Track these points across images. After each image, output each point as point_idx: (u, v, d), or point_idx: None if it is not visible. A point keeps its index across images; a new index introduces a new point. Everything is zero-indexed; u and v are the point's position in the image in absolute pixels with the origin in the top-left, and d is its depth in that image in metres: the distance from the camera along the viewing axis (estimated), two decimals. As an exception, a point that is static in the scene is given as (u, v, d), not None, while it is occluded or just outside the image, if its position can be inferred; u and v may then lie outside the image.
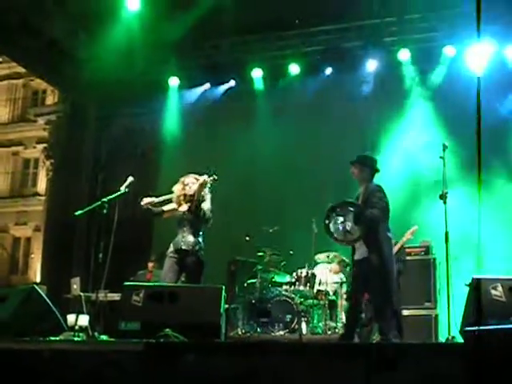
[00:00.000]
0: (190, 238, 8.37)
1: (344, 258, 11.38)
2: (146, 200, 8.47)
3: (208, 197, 8.61)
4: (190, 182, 8.60)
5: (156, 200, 8.54)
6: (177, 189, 8.68)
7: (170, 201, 8.70)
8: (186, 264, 8.34)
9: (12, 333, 6.57)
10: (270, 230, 11.54)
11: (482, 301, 6.85)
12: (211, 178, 8.42)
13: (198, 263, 8.36)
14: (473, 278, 7.24)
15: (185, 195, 8.57)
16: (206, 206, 8.48)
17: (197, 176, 8.61)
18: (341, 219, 7.72)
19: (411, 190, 12.27)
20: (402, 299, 9.53)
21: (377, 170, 8.06)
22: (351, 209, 7.71)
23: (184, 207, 8.55)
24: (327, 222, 7.79)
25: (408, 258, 10.03)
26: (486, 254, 10.97)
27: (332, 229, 7.78)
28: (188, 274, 8.40)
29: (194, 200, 8.44)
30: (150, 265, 12.14)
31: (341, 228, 7.73)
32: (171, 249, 8.44)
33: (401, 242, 9.47)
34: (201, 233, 8.46)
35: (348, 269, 11.20)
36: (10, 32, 12.88)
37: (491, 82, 11.54)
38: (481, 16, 5.52)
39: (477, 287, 7.02)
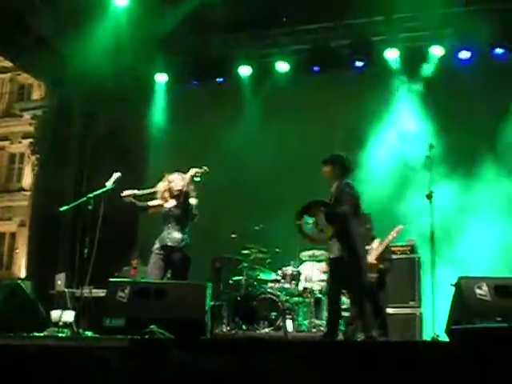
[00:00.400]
0: (176, 235, 8.37)
1: (326, 255, 11.43)
2: (126, 192, 8.45)
3: (194, 194, 8.62)
4: (176, 179, 8.61)
5: (138, 192, 8.53)
6: (162, 185, 8.68)
7: (153, 196, 8.69)
8: (172, 260, 8.34)
9: (-4, 328, 6.55)
10: (256, 228, 11.53)
11: (468, 300, 6.89)
12: (202, 170, 8.44)
13: (184, 259, 8.36)
14: (458, 278, 7.28)
15: (170, 191, 8.57)
16: (194, 202, 8.49)
17: (182, 174, 8.62)
18: (312, 219, 7.73)
19: (398, 188, 12.27)
20: (388, 298, 9.55)
21: (348, 169, 8.12)
22: (322, 208, 7.72)
23: (171, 203, 8.55)
24: (298, 222, 7.80)
25: (393, 256, 10.04)
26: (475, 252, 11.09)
27: (304, 229, 7.79)
28: (174, 270, 8.40)
29: (182, 194, 8.43)
30: (134, 261, 12.08)
31: (313, 228, 7.73)
32: (157, 245, 8.44)
33: (386, 240, 9.48)
34: (186, 229, 8.46)
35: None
36: (-2, 28, 12.83)
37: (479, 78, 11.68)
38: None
39: (462, 287, 7.06)
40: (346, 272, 7.70)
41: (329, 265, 8.30)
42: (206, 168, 8.50)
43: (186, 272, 8.34)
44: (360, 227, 7.89)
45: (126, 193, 8.44)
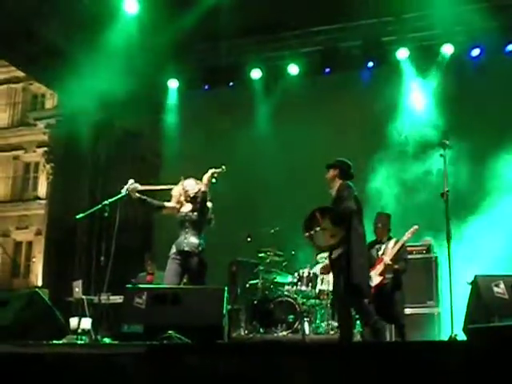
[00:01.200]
0: (193, 240, 8.38)
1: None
2: (142, 187, 8.50)
3: (209, 197, 8.65)
4: (191, 184, 8.65)
5: (150, 188, 8.58)
6: (177, 190, 8.71)
7: (166, 194, 8.74)
8: (189, 266, 8.34)
9: (14, 337, 6.58)
10: (272, 231, 11.54)
11: (485, 298, 6.86)
12: (219, 170, 8.47)
13: (201, 264, 8.37)
14: (475, 276, 7.25)
15: (186, 194, 8.60)
16: (209, 205, 8.53)
17: (197, 180, 8.66)
18: (319, 227, 7.71)
19: (412, 189, 12.24)
20: (405, 298, 9.53)
21: (350, 174, 8.20)
22: (327, 212, 7.72)
23: (187, 207, 8.58)
24: (308, 234, 7.78)
25: (409, 256, 10.01)
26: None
27: (316, 240, 7.77)
28: (191, 275, 8.41)
29: (200, 196, 8.45)
30: (149, 267, 12.10)
31: (324, 235, 7.72)
32: (173, 250, 8.45)
33: (401, 241, 9.45)
34: (203, 234, 8.48)
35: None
36: (9, 36, 12.88)
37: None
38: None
39: (479, 285, 7.04)
40: (340, 272, 7.75)
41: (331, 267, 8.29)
42: (223, 167, 8.53)
43: (202, 277, 8.35)
44: (361, 226, 7.89)
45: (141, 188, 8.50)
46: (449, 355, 4.39)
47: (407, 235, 9.47)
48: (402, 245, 9.46)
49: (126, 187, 8.37)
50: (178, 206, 8.64)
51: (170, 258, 8.44)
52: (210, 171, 8.59)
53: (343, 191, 7.84)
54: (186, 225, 8.48)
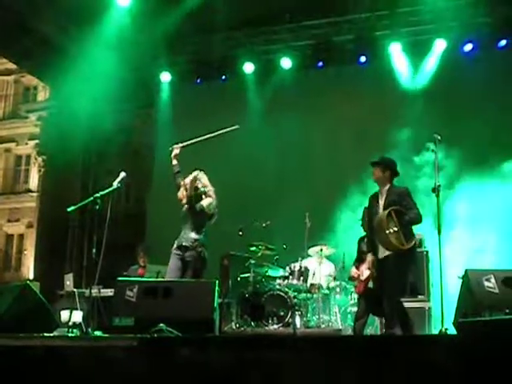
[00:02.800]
0: (191, 235, 8.46)
1: (335, 252, 11.47)
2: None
3: (211, 192, 8.70)
4: (188, 180, 8.75)
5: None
6: (187, 180, 8.82)
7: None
8: (187, 260, 8.39)
9: (5, 329, 6.57)
10: (263, 225, 11.53)
11: (475, 293, 6.89)
12: (197, 173, 8.56)
13: (197, 259, 8.41)
14: (466, 270, 7.28)
15: (185, 189, 8.70)
16: (206, 202, 8.56)
17: (198, 175, 8.81)
18: (395, 228, 7.78)
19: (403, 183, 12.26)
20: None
21: (397, 173, 8.25)
22: (404, 214, 7.85)
23: (186, 204, 8.67)
24: (387, 232, 7.78)
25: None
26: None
27: (391, 238, 7.77)
28: (189, 270, 8.44)
29: (188, 196, 8.55)
30: (141, 260, 12.08)
31: (398, 236, 7.78)
32: (175, 246, 8.53)
33: None
34: (203, 230, 8.53)
35: (339, 262, 11.27)
36: (2, 29, 12.84)
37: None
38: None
39: (470, 279, 7.06)
40: (388, 272, 7.84)
41: (377, 266, 8.31)
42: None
43: (199, 272, 8.38)
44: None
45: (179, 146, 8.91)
46: (439, 349, 4.41)
47: None
48: None
49: (117, 180, 8.35)
50: (181, 197, 8.74)
51: (171, 254, 8.54)
52: (192, 175, 8.69)
53: (406, 196, 8.00)
54: (186, 220, 8.57)
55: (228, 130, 9.27)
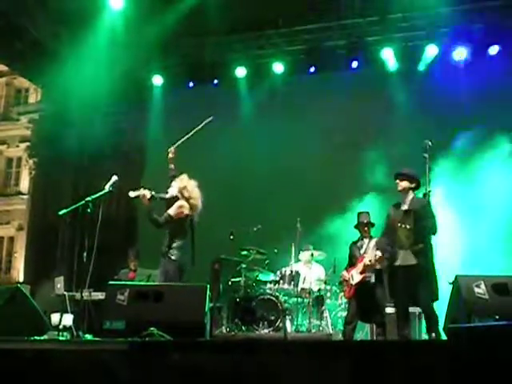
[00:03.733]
0: (165, 241, 8.51)
1: (324, 256, 11.52)
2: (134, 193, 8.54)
3: (186, 194, 8.70)
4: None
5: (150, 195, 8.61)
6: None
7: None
8: (161, 264, 8.46)
9: (-4, 332, 6.56)
10: (254, 229, 11.57)
11: (466, 299, 6.92)
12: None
13: (169, 264, 8.43)
14: (456, 276, 7.31)
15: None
16: (173, 209, 8.61)
17: (180, 181, 8.85)
18: (408, 226, 8.27)
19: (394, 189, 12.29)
20: (387, 297, 9.56)
21: (420, 184, 8.58)
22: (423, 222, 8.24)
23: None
24: (403, 226, 8.30)
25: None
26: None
27: (404, 232, 8.33)
28: (161, 275, 8.53)
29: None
30: (132, 264, 12.07)
31: (407, 234, 8.32)
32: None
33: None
34: (176, 238, 8.53)
35: (329, 267, 11.30)
36: (-6, 31, 12.85)
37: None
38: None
39: (460, 285, 7.10)
40: (416, 280, 8.05)
41: (395, 271, 8.45)
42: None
43: (172, 277, 8.39)
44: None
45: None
46: (428, 355, 4.43)
47: None
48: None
49: (109, 183, 8.36)
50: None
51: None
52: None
53: (427, 206, 8.28)
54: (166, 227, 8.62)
55: (205, 122, 9.31)
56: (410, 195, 8.54)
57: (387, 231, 8.74)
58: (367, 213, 9.94)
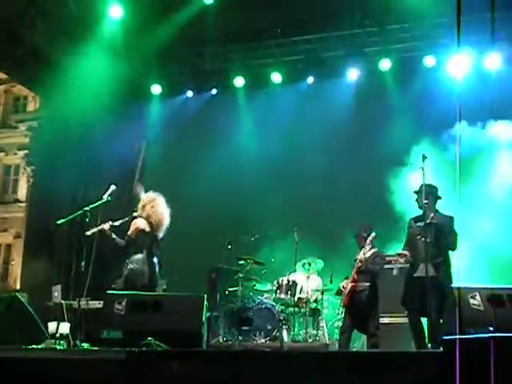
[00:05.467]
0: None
1: (322, 266, 11.54)
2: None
3: (134, 221, 8.91)
4: None
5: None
6: None
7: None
8: None
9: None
10: (252, 239, 11.60)
11: (461, 310, 6.94)
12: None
13: (122, 282, 8.69)
14: (451, 287, 7.34)
15: None
16: (129, 231, 8.79)
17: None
18: (428, 240, 8.32)
19: (396, 197, 12.30)
20: (380, 307, 9.58)
21: (440, 198, 8.84)
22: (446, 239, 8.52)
23: None
24: (423, 240, 8.35)
25: (388, 266, 10.08)
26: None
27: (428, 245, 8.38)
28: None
29: None
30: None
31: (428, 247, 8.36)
32: None
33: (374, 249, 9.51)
34: (133, 254, 8.74)
35: (327, 276, 11.32)
36: (-7, 40, 12.87)
37: (471, 90, 11.71)
38: (460, 27, 5.76)
39: (455, 296, 7.11)
40: (434, 292, 8.03)
41: (412, 282, 8.58)
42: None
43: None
44: None
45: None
46: (422, 365, 4.46)
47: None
48: (374, 252, 9.50)
49: (107, 193, 8.40)
50: None
51: None
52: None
53: (449, 223, 8.52)
54: None
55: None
56: (433, 210, 8.64)
57: (407, 243, 8.91)
58: (367, 225, 9.91)
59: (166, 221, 8.89)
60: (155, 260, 8.72)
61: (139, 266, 8.57)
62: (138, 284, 8.43)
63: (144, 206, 8.86)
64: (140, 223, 8.73)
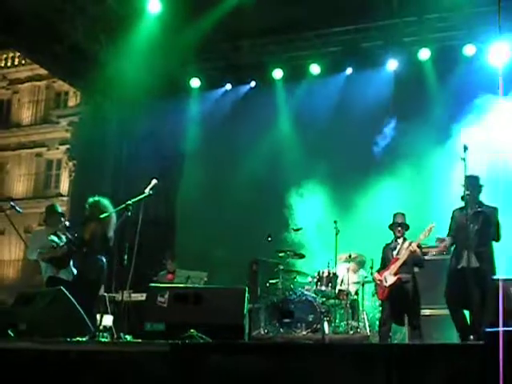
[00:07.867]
0: None
1: (364, 258, 11.49)
2: None
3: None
4: None
5: None
6: None
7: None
8: None
9: (38, 334, 6.67)
10: (293, 231, 11.61)
11: (504, 301, 6.87)
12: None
13: None
14: (494, 279, 7.27)
15: None
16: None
17: None
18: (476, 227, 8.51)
19: (428, 190, 12.21)
20: (422, 299, 9.55)
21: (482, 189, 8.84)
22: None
23: None
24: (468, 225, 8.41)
25: (427, 257, 10.01)
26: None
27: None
28: None
29: None
30: (170, 266, 12.14)
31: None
32: None
33: (417, 240, 9.44)
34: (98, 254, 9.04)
35: (367, 268, 11.28)
36: (34, 36, 13.02)
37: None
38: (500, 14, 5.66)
39: (497, 288, 7.05)
40: (478, 283, 8.07)
41: (455, 273, 8.60)
42: None
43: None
44: None
45: None
46: (465, 358, 4.44)
47: (424, 234, 9.43)
48: (418, 244, 9.45)
49: (149, 187, 8.46)
50: None
51: None
52: None
53: (493, 214, 8.51)
54: None
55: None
56: (477, 201, 8.66)
57: (451, 233, 8.89)
58: (402, 214, 9.88)
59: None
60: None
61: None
62: None
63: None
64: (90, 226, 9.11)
